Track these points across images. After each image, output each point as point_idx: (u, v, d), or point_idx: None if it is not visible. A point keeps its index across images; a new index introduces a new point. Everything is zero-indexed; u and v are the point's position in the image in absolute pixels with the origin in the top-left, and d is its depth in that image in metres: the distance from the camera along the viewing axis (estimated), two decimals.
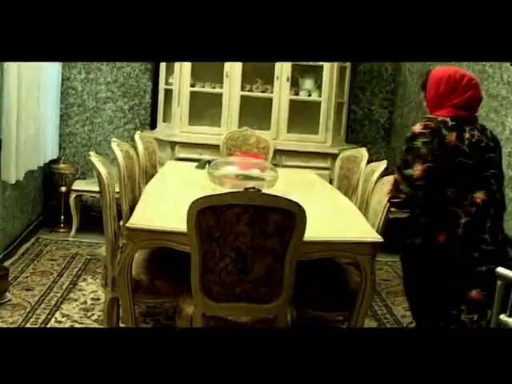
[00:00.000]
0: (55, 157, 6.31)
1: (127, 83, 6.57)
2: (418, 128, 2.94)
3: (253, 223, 2.72)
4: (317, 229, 3.02)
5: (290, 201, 2.73)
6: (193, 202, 2.72)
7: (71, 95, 6.56)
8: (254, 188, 2.73)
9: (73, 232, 6.19)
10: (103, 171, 3.36)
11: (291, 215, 2.73)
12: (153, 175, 4.66)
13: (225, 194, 2.72)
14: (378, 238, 3.11)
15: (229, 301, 2.87)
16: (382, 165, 4.04)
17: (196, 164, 5.03)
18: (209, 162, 4.90)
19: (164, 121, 6.23)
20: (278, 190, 3.99)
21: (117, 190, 3.65)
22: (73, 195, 6.17)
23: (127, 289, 3.11)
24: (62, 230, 6.35)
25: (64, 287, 4.81)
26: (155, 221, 3.10)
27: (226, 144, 5.74)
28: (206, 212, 2.72)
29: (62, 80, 6.45)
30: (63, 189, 6.35)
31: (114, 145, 4.07)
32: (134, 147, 4.74)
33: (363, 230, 3.21)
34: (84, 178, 6.52)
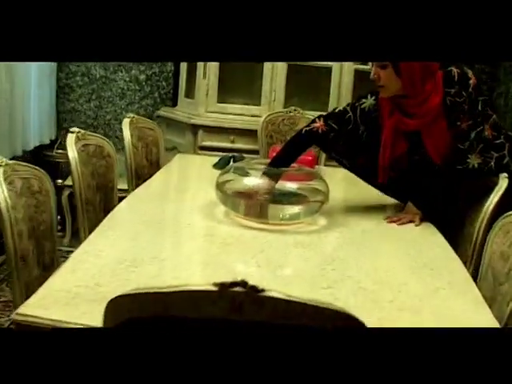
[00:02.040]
0: (47, 141, 4.86)
1: None
2: None
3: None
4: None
5: (339, 312, 1.13)
6: (109, 304, 1.18)
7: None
8: (240, 284, 1.12)
9: (67, 239, 4.74)
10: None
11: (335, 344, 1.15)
12: (150, 177, 3.15)
13: (177, 293, 1.14)
14: None
15: None
16: (503, 182, 2.44)
17: (216, 161, 3.49)
18: (234, 158, 3.41)
19: (187, 96, 4.68)
20: (321, 224, 2.45)
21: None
22: (66, 192, 4.70)
23: None
24: (58, 234, 4.93)
25: None
26: (71, 304, 1.58)
27: (266, 130, 4.19)
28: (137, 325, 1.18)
29: None
30: (59, 181, 4.88)
31: (69, 139, 2.58)
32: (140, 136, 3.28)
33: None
34: None
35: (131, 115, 3.35)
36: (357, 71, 4.42)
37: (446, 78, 2.51)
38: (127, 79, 5.11)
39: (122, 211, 2.51)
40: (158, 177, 3.13)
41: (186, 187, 3.13)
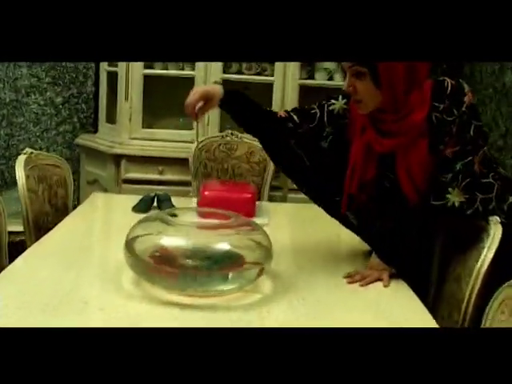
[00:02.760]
0: None
1: (59, 64, 4.42)
2: None
3: None
4: None
5: None
6: None
7: None
8: None
9: None
10: None
11: None
12: (55, 226, 2.53)
13: None
14: None
15: None
16: (496, 230, 1.90)
17: (138, 201, 2.87)
18: (157, 197, 2.83)
19: (108, 121, 4.07)
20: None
21: None
22: None
23: None
24: None
25: None
26: None
27: (200, 158, 3.61)
28: None
29: None
30: None
31: None
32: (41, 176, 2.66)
33: None
34: None
35: (28, 151, 2.72)
36: (302, 87, 3.87)
37: (435, 90, 1.97)
38: (42, 103, 4.48)
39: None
40: (60, 228, 2.50)
41: (94, 242, 2.49)
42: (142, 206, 2.77)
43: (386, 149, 2.05)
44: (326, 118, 2.18)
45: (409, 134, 1.99)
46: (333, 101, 2.20)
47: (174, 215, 2.10)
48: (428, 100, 1.96)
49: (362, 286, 2.02)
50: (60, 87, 4.45)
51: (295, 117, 2.21)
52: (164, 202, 2.80)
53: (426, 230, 2.06)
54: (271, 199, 3.58)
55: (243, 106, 2.20)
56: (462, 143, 1.95)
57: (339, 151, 2.17)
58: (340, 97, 2.19)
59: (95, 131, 4.30)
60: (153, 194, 2.86)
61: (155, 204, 2.83)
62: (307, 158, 2.21)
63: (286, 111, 2.24)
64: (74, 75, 4.44)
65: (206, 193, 2.71)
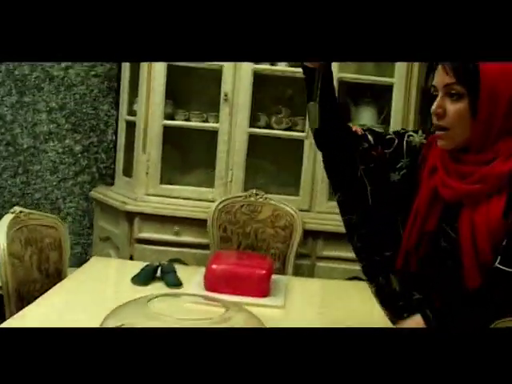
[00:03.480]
0: None
1: (80, 110, 4.16)
2: None
3: None
4: None
5: None
6: None
7: None
8: None
9: None
10: None
11: None
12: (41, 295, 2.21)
13: None
14: None
15: None
16: None
17: (138, 271, 2.53)
18: (161, 268, 2.50)
19: (125, 174, 3.76)
20: None
21: None
22: None
23: None
24: None
25: None
26: None
27: (219, 220, 3.26)
28: None
29: None
30: None
31: None
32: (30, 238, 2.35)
33: None
34: None
35: (17, 209, 2.40)
36: None
37: None
38: (60, 150, 4.21)
39: None
40: (45, 299, 2.17)
41: (78, 320, 2.14)
42: (142, 278, 2.43)
43: (455, 194, 1.70)
44: (404, 147, 1.88)
45: (484, 184, 1.65)
46: (412, 133, 1.91)
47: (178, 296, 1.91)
48: None
49: None
50: (80, 135, 4.18)
51: (370, 137, 1.90)
52: (168, 275, 2.47)
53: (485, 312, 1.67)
54: (297, 268, 3.23)
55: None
56: None
57: (408, 190, 1.86)
58: (420, 131, 1.91)
59: (113, 183, 4.00)
60: (156, 264, 2.52)
61: (159, 274, 2.50)
62: (372, 193, 1.89)
63: (361, 128, 1.94)
64: (95, 123, 4.17)
65: (214, 266, 2.37)
